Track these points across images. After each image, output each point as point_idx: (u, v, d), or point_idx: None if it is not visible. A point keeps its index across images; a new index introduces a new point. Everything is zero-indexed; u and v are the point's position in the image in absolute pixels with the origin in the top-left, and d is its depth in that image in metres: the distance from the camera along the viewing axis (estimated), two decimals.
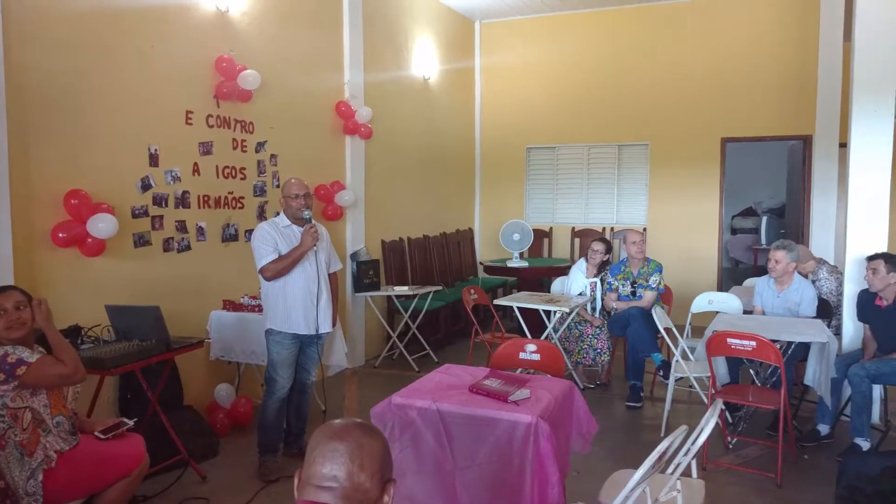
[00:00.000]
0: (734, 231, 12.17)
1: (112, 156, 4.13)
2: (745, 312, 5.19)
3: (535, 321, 5.76)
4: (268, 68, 5.26)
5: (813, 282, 5.34)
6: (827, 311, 5.10)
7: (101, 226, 3.83)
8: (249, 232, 5.16)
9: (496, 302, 6.02)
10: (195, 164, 4.75)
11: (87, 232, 3.82)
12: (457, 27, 8.82)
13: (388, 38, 7.17)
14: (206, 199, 4.85)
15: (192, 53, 4.69)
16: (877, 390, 4.48)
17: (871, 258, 4.41)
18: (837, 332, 5.02)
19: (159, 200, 4.47)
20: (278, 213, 4.15)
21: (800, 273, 5.35)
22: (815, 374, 4.33)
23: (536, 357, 3.57)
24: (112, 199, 4.06)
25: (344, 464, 1.34)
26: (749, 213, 12.24)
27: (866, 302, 4.53)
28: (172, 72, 4.54)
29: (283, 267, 3.86)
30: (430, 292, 6.54)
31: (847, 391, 4.40)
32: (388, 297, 6.72)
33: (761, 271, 6.13)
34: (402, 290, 6.46)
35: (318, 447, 1.37)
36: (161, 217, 4.48)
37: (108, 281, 4.08)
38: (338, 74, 6.33)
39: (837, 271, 5.30)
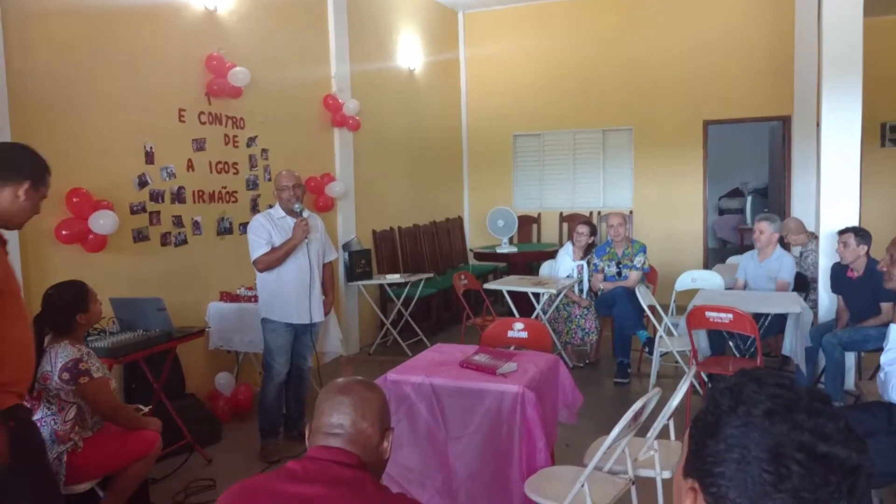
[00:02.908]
0: (721, 212, 12.35)
1: (110, 154, 4.27)
2: (728, 289, 5.38)
3: (525, 304, 5.93)
4: (256, 64, 5.38)
5: (801, 253, 5.55)
6: (804, 284, 5.30)
7: (102, 222, 3.97)
8: (243, 225, 5.30)
9: (486, 286, 6.19)
10: (189, 160, 4.88)
11: (89, 228, 3.96)
12: (440, 18, 8.94)
13: (372, 30, 7.29)
14: (200, 194, 4.99)
15: (182, 52, 4.82)
16: (851, 358, 4.69)
17: (841, 232, 4.59)
18: (815, 306, 5.21)
19: (156, 196, 4.60)
20: (271, 206, 4.29)
21: (792, 244, 5.59)
22: (792, 344, 4.53)
23: (524, 335, 3.75)
24: (111, 197, 4.19)
25: (349, 413, 1.54)
26: (736, 193, 12.42)
27: (838, 274, 4.73)
28: (165, 70, 4.67)
29: (274, 259, 4.02)
30: (421, 280, 6.69)
31: (823, 360, 4.60)
32: (381, 285, 6.87)
33: (747, 251, 6.33)
34: (394, 278, 6.61)
35: (326, 401, 1.58)
36: (158, 213, 4.62)
37: (109, 275, 4.21)
38: (324, 68, 6.45)
39: None
